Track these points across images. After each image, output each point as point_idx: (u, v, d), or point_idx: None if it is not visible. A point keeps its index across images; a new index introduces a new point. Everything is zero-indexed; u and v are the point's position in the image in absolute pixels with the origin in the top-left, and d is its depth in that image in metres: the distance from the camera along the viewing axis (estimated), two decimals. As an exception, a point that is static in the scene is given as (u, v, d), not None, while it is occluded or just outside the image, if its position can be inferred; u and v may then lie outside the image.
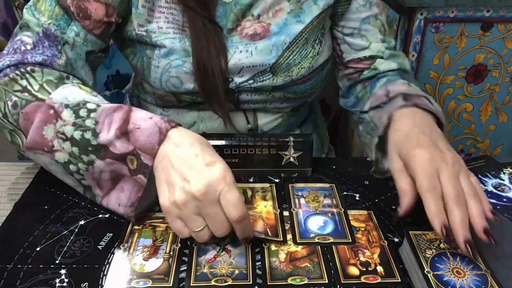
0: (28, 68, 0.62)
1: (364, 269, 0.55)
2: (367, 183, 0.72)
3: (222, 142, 0.68)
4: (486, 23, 1.16)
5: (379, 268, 0.55)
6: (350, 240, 0.59)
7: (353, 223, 0.63)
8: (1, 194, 0.67)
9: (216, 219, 0.52)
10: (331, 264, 0.56)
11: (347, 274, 0.54)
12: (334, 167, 0.75)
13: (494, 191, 0.70)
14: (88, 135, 0.57)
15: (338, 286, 0.53)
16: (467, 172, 0.57)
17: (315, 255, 0.57)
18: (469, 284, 0.51)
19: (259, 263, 0.56)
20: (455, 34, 1.16)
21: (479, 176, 0.73)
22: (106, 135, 0.56)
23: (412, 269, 0.55)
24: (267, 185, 0.70)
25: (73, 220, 0.61)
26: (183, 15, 0.72)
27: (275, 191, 0.68)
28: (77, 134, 0.57)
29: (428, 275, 0.52)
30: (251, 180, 0.71)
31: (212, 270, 0.54)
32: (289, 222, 0.62)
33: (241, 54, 0.73)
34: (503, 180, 0.72)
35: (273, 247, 0.58)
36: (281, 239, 0.59)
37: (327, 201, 0.67)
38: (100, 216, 0.62)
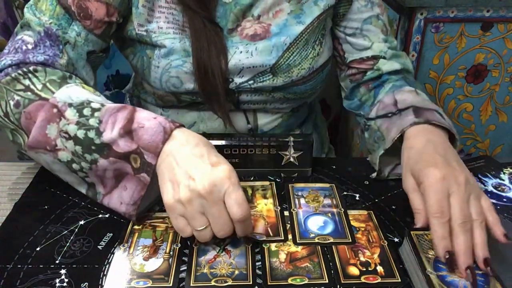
0: (31, 68, 0.62)
1: (364, 269, 0.55)
2: (367, 183, 0.72)
3: (222, 142, 0.68)
4: (486, 23, 1.16)
5: (379, 268, 0.55)
6: (350, 240, 0.59)
7: (353, 223, 0.63)
8: (1, 194, 0.67)
9: (219, 219, 0.52)
10: (331, 264, 0.56)
11: (347, 274, 0.54)
12: (334, 167, 0.75)
13: (494, 191, 0.70)
14: (91, 134, 0.57)
15: (338, 286, 0.53)
16: (479, 193, 0.56)
17: (315, 255, 0.57)
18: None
19: (259, 263, 0.56)
20: (455, 34, 1.16)
21: (479, 176, 0.73)
22: (110, 134, 0.56)
23: (412, 269, 0.55)
24: (267, 183, 0.70)
25: (73, 220, 0.61)
26: (183, 15, 0.72)
27: (275, 189, 0.68)
28: (80, 133, 0.57)
29: (430, 275, 0.52)
30: (251, 179, 0.71)
31: (212, 270, 0.54)
32: (289, 222, 0.62)
33: (241, 54, 0.73)
34: (503, 180, 0.72)
35: (273, 247, 0.58)
36: (283, 238, 0.59)
37: (327, 201, 0.67)
38: (100, 216, 0.62)
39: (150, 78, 0.75)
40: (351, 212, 0.65)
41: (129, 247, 0.57)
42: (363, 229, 0.62)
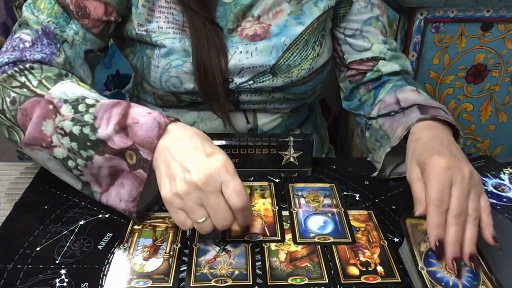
0: (27, 65, 0.62)
1: (364, 269, 0.55)
2: (367, 183, 0.72)
3: (222, 142, 0.68)
4: (486, 23, 1.16)
5: (379, 268, 0.55)
6: (350, 240, 0.59)
7: (353, 223, 0.63)
8: (1, 194, 0.67)
9: (219, 209, 0.51)
10: (331, 264, 0.56)
11: (347, 274, 0.54)
12: (334, 167, 0.75)
13: (494, 191, 0.70)
14: (86, 130, 0.57)
15: (338, 286, 0.53)
16: (480, 191, 0.56)
17: (315, 255, 0.57)
18: (462, 281, 0.51)
19: (259, 263, 0.56)
20: (455, 34, 1.16)
21: (479, 176, 0.73)
22: (105, 130, 0.56)
23: (412, 269, 0.55)
24: (265, 183, 0.70)
25: (73, 220, 0.61)
26: (183, 15, 0.72)
27: (273, 189, 0.68)
28: (75, 129, 0.57)
29: (422, 271, 0.52)
30: (250, 179, 0.71)
31: (212, 270, 0.54)
32: (289, 222, 0.62)
33: (241, 54, 0.73)
34: (503, 180, 0.72)
35: (273, 247, 0.58)
36: (279, 238, 0.59)
37: (327, 201, 0.66)
38: (100, 216, 0.62)
39: (150, 78, 0.75)
40: (351, 212, 0.65)
41: (129, 247, 0.57)
42: (363, 229, 0.62)
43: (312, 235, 0.60)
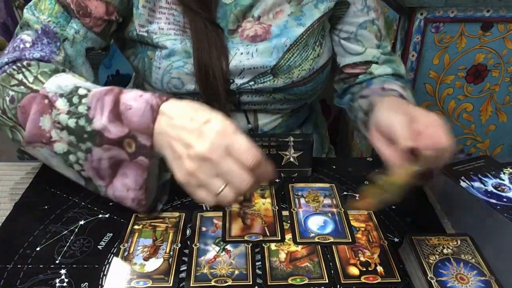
0: (25, 63, 0.62)
1: (364, 269, 0.55)
2: (367, 183, 0.72)
3: (222, 142, 0.68)
4: (486, 23, 1.16)
5: (379, 268, 0.55)
6: (350, 240, 0.59)
7: (353, 223, 0.63)
8: (1, 194, 0.67)
9: (233, 173, 0.49)
10: (331, 264, 0.56)
11: (347, 274, 0.54)
12: (334, 167, 0.75)
13: (494, 191, 0.70)
14: (82, 121, 0.56)
15: (338, 286, 0.53)
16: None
17: (315, 255, 0.57)
18: None
19: (259, 263, 0.56)
20: (455, 34, 1.16)
21: (479, 176, 0.73)
22: (100, 120, 0.55)
23: (412, 270, 0.55)
24: (265, 183, 0.70)
25: (73, 220, 0.61)
26: (184, 16, 0.72)
27: (273, 189, 0.68)
28: (71, 122, 0.56)
29: (432, 281, 0.51)
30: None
31: (212, 270, 0.54)
32: (289, 222, 0.62)
33: (242, 55, 0.73)
34: (503, 180, 0.72)
35: (273, 247, 0.58)
36: (279, 238, 0.59)
37: (327, 201, 0.67)
38: (100, 216, 0.62)
39: (151, 79, 0.75)
40: (351, 212, 0.65)
41: (129, 247, 0.57)
42: (363, 229, 0.62)
43: (312, 235, 0.60)
